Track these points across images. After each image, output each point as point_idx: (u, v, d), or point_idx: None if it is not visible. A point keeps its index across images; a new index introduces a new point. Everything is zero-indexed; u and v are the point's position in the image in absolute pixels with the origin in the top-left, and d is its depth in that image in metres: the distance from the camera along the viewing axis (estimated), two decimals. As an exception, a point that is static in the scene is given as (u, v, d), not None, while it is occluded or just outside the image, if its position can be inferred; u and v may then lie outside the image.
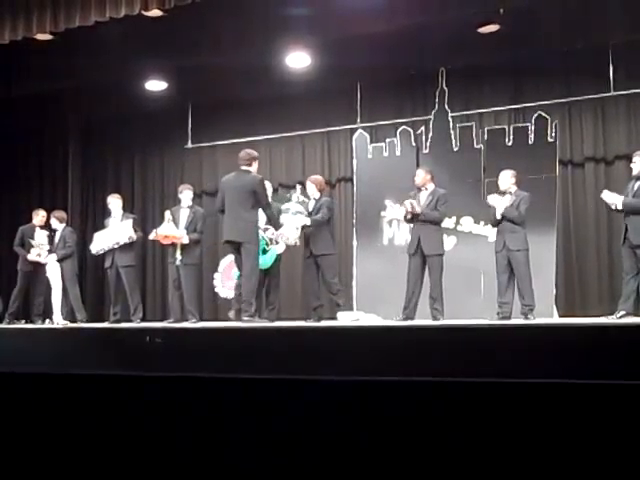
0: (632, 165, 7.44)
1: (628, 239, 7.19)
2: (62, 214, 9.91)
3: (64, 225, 9.70)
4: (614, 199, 7.32)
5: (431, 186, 8.01)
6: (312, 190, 8.29)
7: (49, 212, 10.01)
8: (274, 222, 7.89)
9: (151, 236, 9.02)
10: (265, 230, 8.08)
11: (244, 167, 7.70)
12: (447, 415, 2.03)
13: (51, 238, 9.71)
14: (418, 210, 7.80)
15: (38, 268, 9.66)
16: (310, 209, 8.12)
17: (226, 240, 7.72)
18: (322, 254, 8.04)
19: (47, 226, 9.86)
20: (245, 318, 7.33)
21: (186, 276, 8.62)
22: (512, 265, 7.50)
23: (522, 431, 1.95)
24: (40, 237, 9.59)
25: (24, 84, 10.07)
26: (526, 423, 1.95)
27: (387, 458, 2.06)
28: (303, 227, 7.99)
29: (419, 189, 8.03)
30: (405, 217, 8.08)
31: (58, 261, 9.41)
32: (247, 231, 7.51)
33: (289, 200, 8.28)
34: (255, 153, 7.87)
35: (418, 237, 7.80)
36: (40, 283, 9.76)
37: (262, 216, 8.06)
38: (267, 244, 8.08)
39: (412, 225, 8.03)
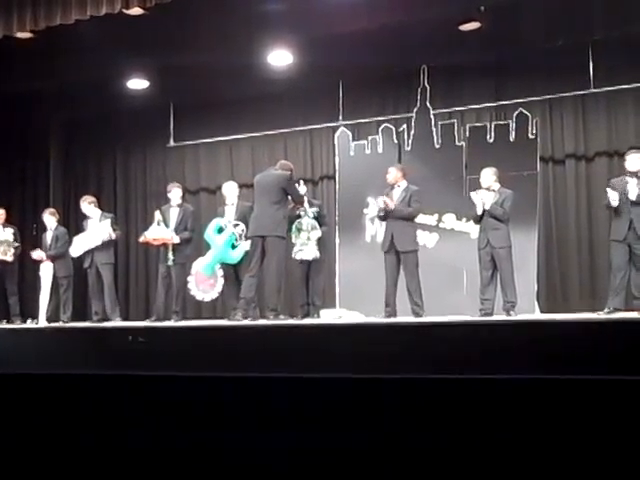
0: (626, 164, 7.41)
1: (633, 233, 7.12)
2: (53, 210, 9.85)
3: (56, 224, 9.64)
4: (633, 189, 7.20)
5: (404, 183, 8.07)
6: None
7: (40, 212, 9.98)
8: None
9: (141, 239, 9.01)
10: (235, 226, 8.18)
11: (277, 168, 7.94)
12: (429, 412, 2.04)
13: (16, 236, 9.63)
14: (392, 206, 7.84)
15: (6, 267, 9.57)
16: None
17: (249, 236, 7.83)
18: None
19: (10, 223, 9.79)
20: (270, 316, 7.45)
21: (177, 275, 8.63)
22: (495, 262, 7.55)
23: (503, 427, 1.97)
24: (4, 235, 9.50)
25: (5, 83, 9.99)
26: (508, 419, 1.97)
27: (374, 455, 2.07)
28: (318, 239, 8.22)
29: (392, 187, 8.08)
30: (378, 214, 8.14)
31: (51, 261, 9.35)
32: (272, 226, 7.59)
33: (301, 216, 8.33)
34: (292, 165, 8.20)
35: (391, 234, 7.84)
36: (11, 282, 9.68)
37: (230, 212, 8.35)
38: (236, 239, 8.16)
39: (385, 222, 8.07)
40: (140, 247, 11.11)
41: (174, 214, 8.79)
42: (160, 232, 8.62)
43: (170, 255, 8.58)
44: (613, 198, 7.23)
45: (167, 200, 9.05)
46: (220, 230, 8.32)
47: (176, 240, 8.60)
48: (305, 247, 8.12)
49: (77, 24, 8.36)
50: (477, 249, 7.72)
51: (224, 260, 8.32)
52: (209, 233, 8.41)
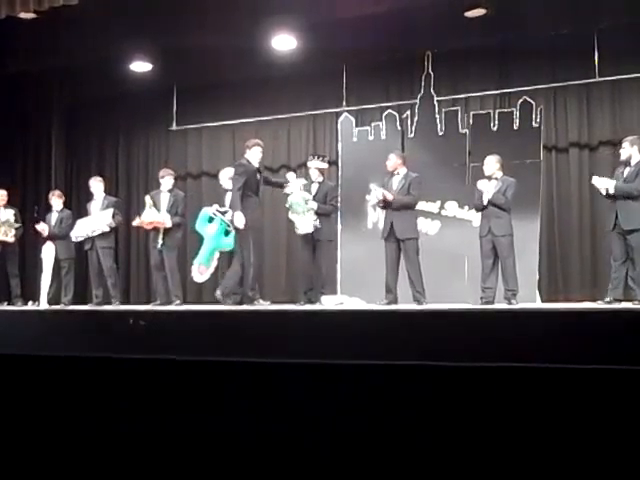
0: (621, 150, 7.45)
1: (619, 224, 7.20)
2: (60, 193, 9.85)
3: (62, 207, 9.65)
4: (605, 184, 7.31)
5: (403, 170, 8.04)
6: (315, 174, 8.41)
7: (41, 194, 9.96)
8: (232, 206, 8.00)
9: (135, 222, 9.03)
10: (223, 213, 8.24)
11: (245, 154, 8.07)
12: (429, 399, 2.04)
13: (17, 217, 9.62)
14: (390, 197, 7.83)
15: (7, 248, 9.54)
16: (313, 193, 8.22)
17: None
18: (323, 239, 8.18)
19: (11, 204, 9.77)
20: (261, 301, 7.79)
21: (169, 259, 8.66)
22: (497, 250, 7.54)
23: (503, 415, 1.96)
24: (5, 216, 9.48)
25: (7, 64, 9.97)
26: (507, 407, 1.97)
27: (372, 441, 2.07)
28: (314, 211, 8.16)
29: (392, 174, 8.06)
30: (378, 204, 8.10)
31: (53, 242, 9.36)
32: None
33: (291, 192, 8.30)
34: (253, 141, 8.18)
35: (391, 222, 7.84)
36: (12, 264, 9.66)
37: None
38: (228, 225, 8.23)
39: (385, 210, 8.06)
40: (141, 231, 11.11)
41: (164, 199, 8.84)
42: (155, 216, 8.67)
43: (160, 240, 8.63)
44: (601, 187, 7.41)
45: (158, 185, 9.07)
46: (210, 220, 8.42)
47: (169, 224, 8.64)
48: (299, 219, 8.11)
49: (80, 5, 8.31)
50: (479, 237, 7.71)
51: (219, 248, 8.51)
52: (199, 225, 8.60)
